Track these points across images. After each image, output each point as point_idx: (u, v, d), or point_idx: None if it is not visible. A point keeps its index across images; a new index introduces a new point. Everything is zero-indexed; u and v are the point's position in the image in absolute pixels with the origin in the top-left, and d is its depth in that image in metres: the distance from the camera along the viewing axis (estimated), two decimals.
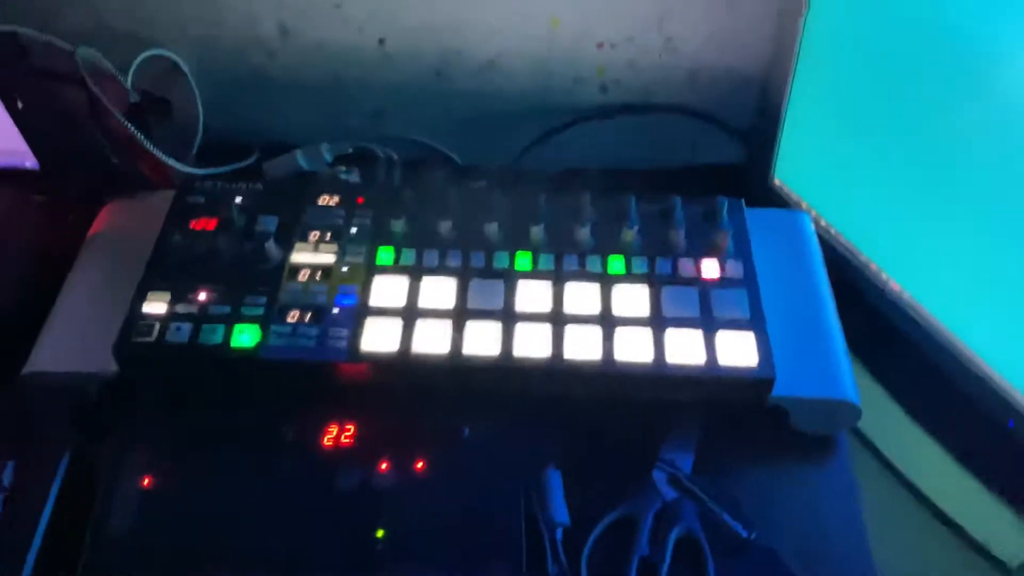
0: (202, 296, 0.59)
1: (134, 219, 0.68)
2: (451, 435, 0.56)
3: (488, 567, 0.52)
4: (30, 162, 0.65)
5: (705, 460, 0.59)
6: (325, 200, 0.66)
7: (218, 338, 0.57)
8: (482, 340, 0.57)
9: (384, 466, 0.55)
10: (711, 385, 0.56)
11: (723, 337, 0.57)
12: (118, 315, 0.60)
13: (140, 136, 0.66)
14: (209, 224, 0.63)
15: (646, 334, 0.58)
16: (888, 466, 0.63)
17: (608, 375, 0.56)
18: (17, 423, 0.58)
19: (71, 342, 0.60)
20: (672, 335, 0.57)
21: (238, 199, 0.65)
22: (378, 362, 0.56)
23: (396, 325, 0.58)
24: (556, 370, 0.56)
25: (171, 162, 0.66)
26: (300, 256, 0.62)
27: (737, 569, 0.54)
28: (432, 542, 0.53)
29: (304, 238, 0.63)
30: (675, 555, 0.54)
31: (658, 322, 0.58)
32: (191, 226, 0.63)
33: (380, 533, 0.53)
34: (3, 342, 0.60)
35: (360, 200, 0.66)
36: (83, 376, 0.58)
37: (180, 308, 0.58)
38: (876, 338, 0.66)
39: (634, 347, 0.57)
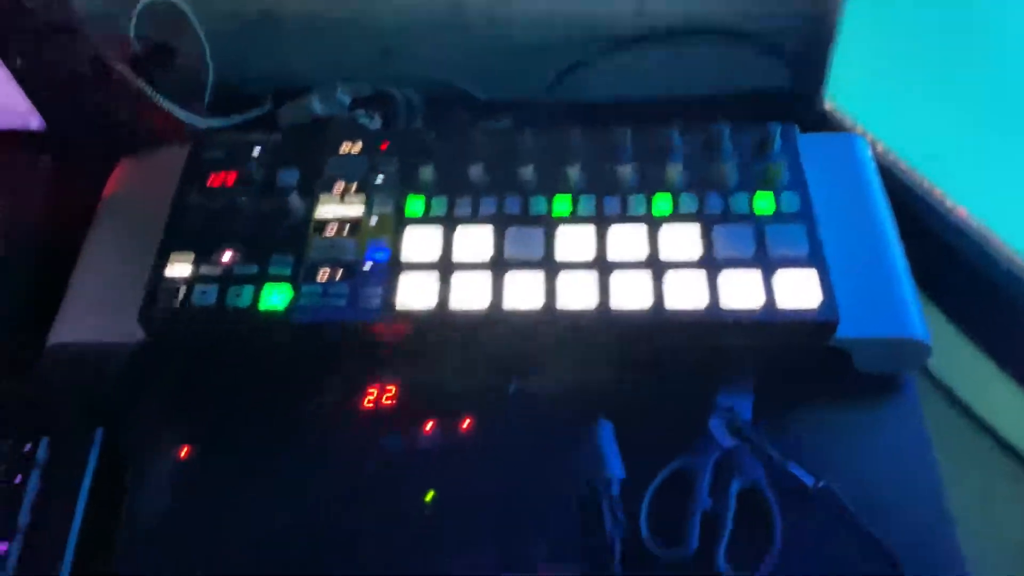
0: (226, 256, 0.56)
1: (148, 177, 0.65)
2: (496, 391, 0.54)
3: (543, 528, 0.50)
4: (36, 122, 0.61)
5: (764, 405, 0.56)
6: (347, 148, 0.62)
7: (246, 300, 0.54)
8: (523, 292, 0.54)
9: (429, 427, 0.53)
10: (769, 330, 0.53)
11: (781, 277, 0.54)
12: (140, 280, 0.57)
13: (148, 88, 0.62)
14: (228, 179, 0.60)
15: (698, 277, 0.54)
16: (959, 405, 0.59)
17: (659, 324, 0.53)
18: (47, 397, 0.56)
19: (94, 311, 0.58)
20: (727, 277, 0.54)
21: (256, 151, 0.61)
22: (415, 319, 0.53)
23: (432, 279, 0.55)
24: (603, 320, 0.53)
25: (182, 114, 0.62)
26: (326, 209, 0.58)
27: (804, 520, 0.52)
28: (483, 503, 0.51)
29: (328, 189, 0.59)
30: (738, 507, 0.52)
31: (711, 264, 0.54)
32: (209, 183, 0.60)
33: (429, 496, 0.51)
34: (23, 314, 0.58)
35: (384, 146, 0.62)
36: (109, 346, 0.56)
37: (205, 270, 0.55)
38: (941, 270, 0.62)
39: (686, 292, 0.53)
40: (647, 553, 0.50)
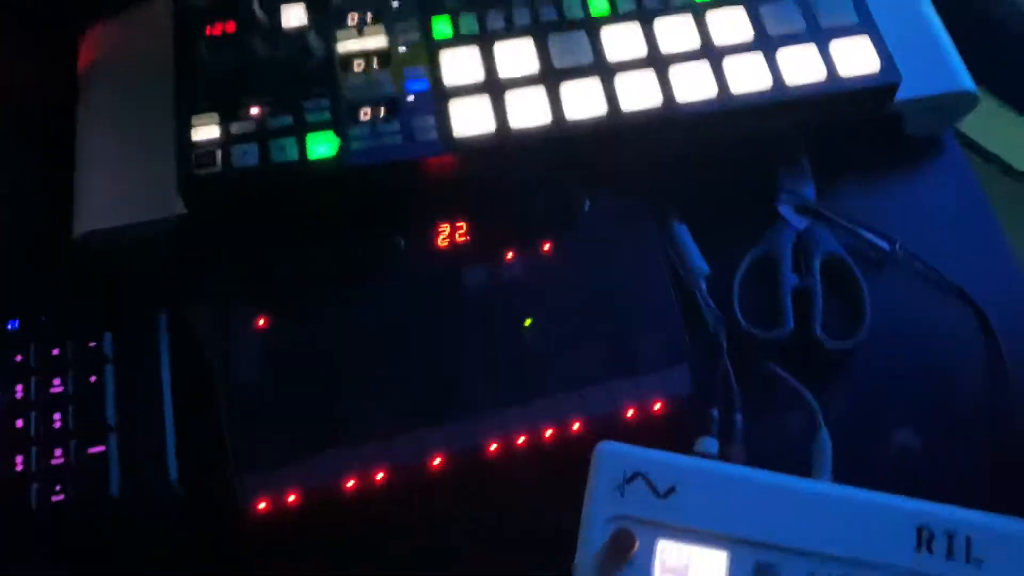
0: (254, 110, 0.51)
1: (124, 42, 0.58)
2: (571, 210, 0.52)
3: (648, 332, 0.49)
4: None
5: (823, 182, 0.57)
6: None
7: (292, 153, 0.49)
8: (583, 100, 0.51)
9: (510, 255, 0.51)
10: (834, 100, 0.52)
11: (838, 46, 0.53)
12: (154, 153, 0.52)
13: None
14: (228, 27, 0.53)
15: (757, 59, 0.52)
16: (994, 160, 0.61)
17: (727, 111, 0.51)
18: (87, 290, 0.51)
19: (113, 193, 0.52)
20: (784, 55, 0.52)
21: None
22: (477, 147, 0.50)
23: (483, 102, 0.51)
24: (670, 117, 0.51)
25: None
26: (346, 44, 0.53)
27: (886, 282, 0.53)
28: (582, 321, 0.50)
29: (342, 23, 0.54)
30: (823, 280, 0.52)
31: (766, 44, 0.53)
32: (207, 33, 0.53)
33: (527, 323, 0.50)
34: (28, 207, 0.52)
35: None
36: (143, 226, 0.51)
37: (236, 128, 0.50)
38: (969, 24, 0.62)
39: (748, 76, 0.52)
40: (748, 339, 0.51)
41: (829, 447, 0.47)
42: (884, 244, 0.54)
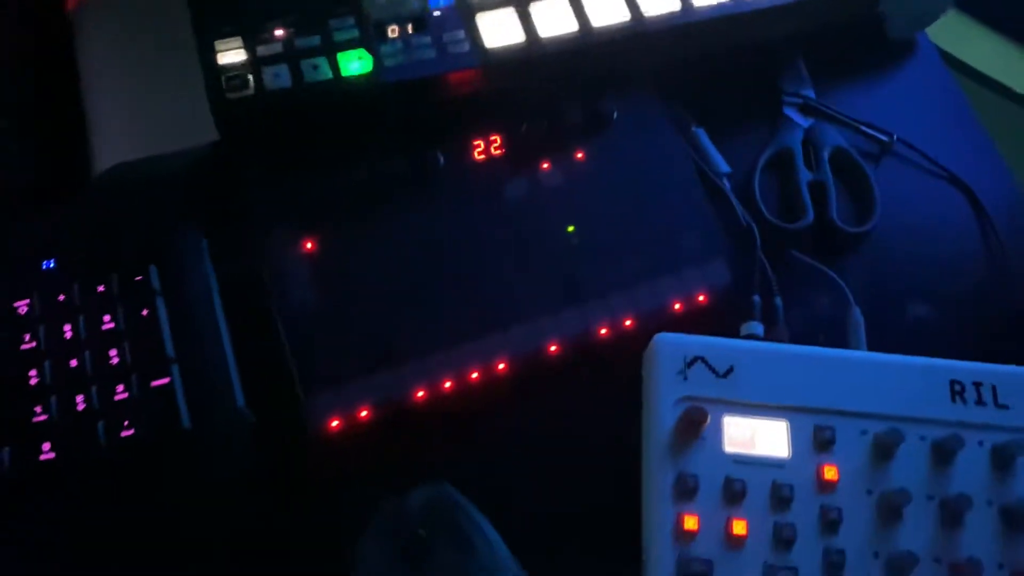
0: (279, 32, 0.50)
1: None
2: (601, 118, 0.53)
3: (685, 229, 0.52)
4: None
5: (819, 85, 0.60)
6: None
7: (326, 72, 0.49)
8: (606, 7, 0.53)
9: (545, 166, 0.52)
10: (832, 3, 0.55)
11: None
12: (171, 82, 0.50)
13: None
14: None
15: None
16: (964, 69, 0.66)
17: (738, 15, 0.54)
18: (120, 224, 0.49)
19: (131, 125, 0.50)
20: None
21: None
22: (508, 58, 0.51)
23: (510, 15, 0.52)
24: (689, 22, 0.53)
25: None
26: None
27: (886, 170, 0.57)
28: (622, 224, 0.51)
29: None
30: (832, 171, 0.56)
31: None
32: None
33: (570, 228, 0.51)
34: (41, 144, 0.50)
35: None
36: (170, 156, 0.49)
37: (264, 51, 0.49)
38: None
39: None
40: (773, 230, 0.54)
41: (862, 322, 0.50)
42: (882, 136, 0.58)
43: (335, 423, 0.46)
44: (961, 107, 0.61)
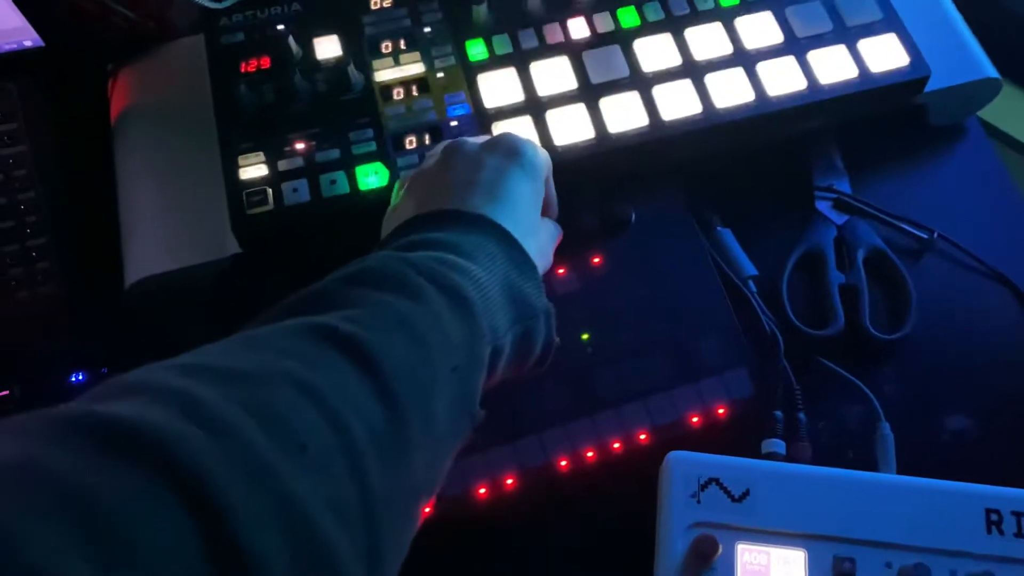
0: (300, 146, 0.51)
1: (152, 83, 0.58)
2: (619, 222, 0.53)
3: (705, 338, 0.50)
4: (30, 40, 0.52)
5: (854, 176, 0.58)
6: (376, 3, 0.56)
7: (344, 186, 0.50)
8: (623, 113, 0.52)
9: (561, 271, 0.52)
10: (867, 97, 0.53)
11: (866, 45, 0.54)
12: (198, 194, 0.52)
13: None
14: (262, 63, 0.54)
15: (789, 63, 0.53)
16: (1016, 146, 0.62)
17: (765, 115, 0.52)
18: (145, 338, 0.51)
19: (161, 237, 0.52)
20: (816, 57, 0.53)
21: (280, 26, 0.55)
22: None
23: (526, 123, 0.52)
24: (711, 125, 0.52)
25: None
26: (384, 74, 0.54)
27: (925, 270, 0.55)
28: (639, 331, 0.51)
29: (377, 52, 0.54)
30: (867, 275, 0.54)
31: (796, 47, 0.54)
32: (243, 70, 0.53)
33: (585, 336, 0.50)
34: (73, 253, 0.52)
35: None
36: (195, 268, 0.51)
37: (284, 166, 0.50)
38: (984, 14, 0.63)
39: (783, 79, 0.53)
40: (801, 338, 0.52)
41: (891, 439, 0.48)
42: (922, 233, 0.55)
43: None
44: (1008, 192, 0.57)
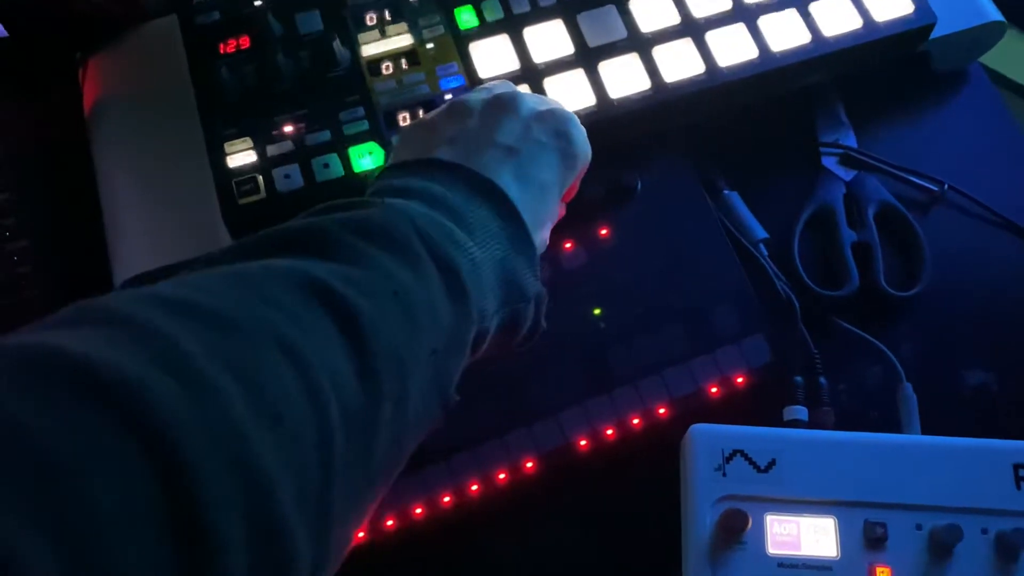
0: (288, 129, 0.49)
1: (128, 70, 0.55)
2: (624, 191, 0.51)
3: (719, 305, 0.49)
4: None
5: (859, 129, 0.56)
6: None
7: (338, 170, 0.48)
8: (624, 77, 0.50)
9: (568, 246, 0.50)
10: (872, 47, 0.51)
11: None
12: (185, 187, 0.50)
13: None
14: (242, 42, 0.51)
15: (792, 16, 0.51)
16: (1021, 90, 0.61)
17: (769, 71, 0.50)
18: None
19: (149, 236, 0.50)
20: (818, 8, 0.51)
21: (258, 2, 0.52)
22: None
23: (524, 92, 0.50)
24: (715, 84, 0.50)
25: None
26: (371, 48, 0.51)
27: (936, 222, 0.53)
28: (652, 302, 0.49)
29: (362, 25, 0.52)
30: (879, 230, 0.52)
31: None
32: (221, 52, 0.51)
33: (597, 311, 0.49)
34: (65, 258, 0.50)
35: None
36: (188, 264, 0.49)
37: (273, 150, 0.48)
38: None
39: (785, 33, 0.51)
40: (816, 299, 0.51)
41: (914, 399, 0.47)
42: (932, 186, 0.54)
43: (361, 534, 0.45)
44: (1015, 138, 0.56)
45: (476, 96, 0.40)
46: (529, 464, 0.47)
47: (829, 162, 0.55)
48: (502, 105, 0.39)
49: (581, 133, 0.40)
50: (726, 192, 0.53)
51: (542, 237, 0.40)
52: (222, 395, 0.22)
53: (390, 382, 0.28)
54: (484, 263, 0.34)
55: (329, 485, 0.25)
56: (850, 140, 0.55)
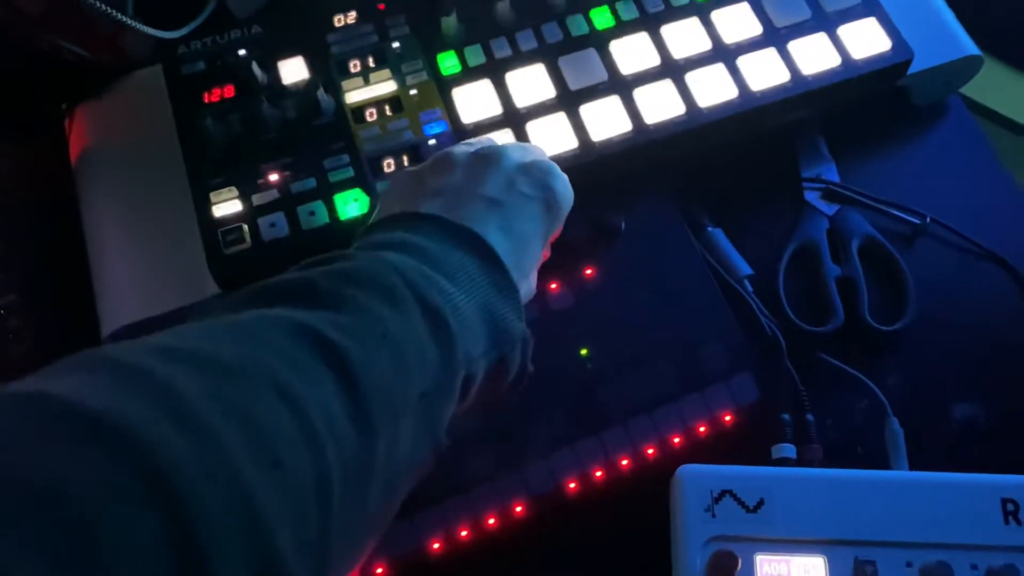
0: (273, 177, 0.49)
1: (115, 120, 0.55)
2: (609, 232, 0.51)
3: (706, 343, 0.49)
4: None
5: (842, 163, 0.57)
6: (340, 21, 0.54)
7: (324, 217, 0.48)
8: (606, 120, 0.50)
9: (554, 287, 0.50)
10: (851, 84, 0.52)
11: (847, 31, 0.53)
12: (171, 236, 0.50)
13: (110, 10, 0.50)
14: (226, 92, 0.51)
15: (771, 55, 0.52)
16: (1006, 123, 0.62)
17: (749, 110, 0.51)
18: None
19: (135, 286, 0.50)
20: (797, 47, 0.52)
21: (242, 51, 0.52)
22: None
23: (507, 136, 0.50)
24: (696, 125, 0.51)
25: (146, 29, 0.51)
26: (355, 95, 0.51)
27: (920, 254, 0.54)
28: (638, 342, 0.49)
29: (345, 73, 0.52)
30: (863, 264, 0.53)
31: (776, 38, 0.52)
32: (206, 101, 0.51)
33: (584, 352, 0.49)
34: (53, 309, 0.50)
35: (382, 7, 0.54)
36: (176, 314, 0.49)
37: (259, 199, 0.48)
38: None
39: (765, 72, 0.52)
40: (800, 335, 0.51)
41: (901, 434, 0.47)
42: (914, 219, 0.54)
43: None
44: (993, 168, 0.57)
45: (462, 150, 0.41)
46: (519, 508, 0.47)
47: (812, 197, 0.55)
48: (487, 158, 0.40)
49: (564, 182, 0.41)
50: (710, 229, 0.53)
51: (529, 285, 0.41)
52: (221, 439, 0.23)
53: (383, 424, 0.28)
54: (468, 308, 0.34)
55: (327, 528, 0.25)
56: (832, 174, 0.56)
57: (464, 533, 0.46)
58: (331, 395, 0.27)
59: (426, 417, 0.31)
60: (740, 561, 0.43)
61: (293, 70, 0.52)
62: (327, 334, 0.28)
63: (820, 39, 0.52)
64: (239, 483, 0.22)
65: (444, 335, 0.32)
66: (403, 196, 0.39)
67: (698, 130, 0.51)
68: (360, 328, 0.29)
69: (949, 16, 0.57)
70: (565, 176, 0.41)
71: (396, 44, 0.53)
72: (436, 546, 0.46)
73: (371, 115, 0.51)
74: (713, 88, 0.51)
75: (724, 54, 0.52)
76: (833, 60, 0.52)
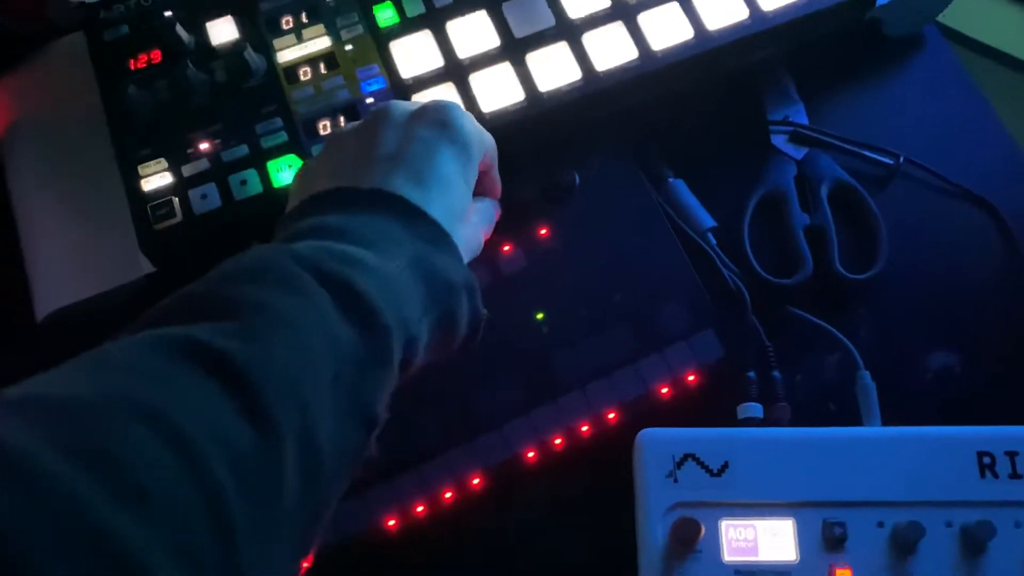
0: (204, 146, 0.46)
1: (39, 91, 0.52)
2: (562, 188, 0.49)
3: (667, 301, 0.47)
4: None
5: (811, 104, 0.54)
6: None
7: (256, 186, 0.45)
8: (554, 69, 0.47)
9: (506, 248, 0.48)
10: (815, 19, 0.49)
11: None
12: (104, 213, 0.48)
13: None
14: (153, 57, 0.49)
15: None
16: (985, 50, 0.58)
17: (707, 52, 0.48)
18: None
19: (68, 266, 0.48)
20: None
21: (167, 13, 0.49)
22: None
23: (449, 91, 0.47)
24: (650, 70, 0.47)
25: None
26: (287, 53, 0.49)
27: (893, 197, 0.51)
28: (596, 303, 0.47)
29: (277, 30, 0.49)
30: (833, 209, 0.50)
31: None
32: (132, 68, 0.48)
33: (539, 315, 0.47)
34: None
35: None
36: (110, 294, 0.47)
37: (189, 171, 0.46)
38: None
39: (722, 10, 0.48)
40: (768, 288, 0.49)
41: (873, 388, 0.45)
42: (887, 160, 0.51)
43: (305, 564, 0.43)
44: (975, 102, 0.54)
45: (348, 125, 0.40)
46: (476, 480, 0.45)
47: (779, 141, 0.52)
48: (373, 120, 0.38)
49: (465, 117, 0.39)
50: (671, 180, 0.51)
51: (469, 229, 0.39)
52: (67, 486, 0.21)
53: (289, 418, 0.27)
54: (394, 271, 0.33)
55: (233, 543, 0.24)
56: (800, 116, 0.53)
57: (420, 509, 0.44)
58: (218, 405, 0.25)
59: (348, 398, 0.30)
60: (703, 528, 0.41)
61: (222, 31, 0.49)
62: (209, 343, 0.26)
63: None
64: (92, 529, 0.20)
65: (359, 308, 0.30)
66: (302, 191, 0.38)
67: (653, 75, 0.48)
68: (250, 327, 0.28)
69: None
70: (467, 112, 0.39)
71: None
72: (392, 523, 0.44)
73: (305, 74, 0.48)
74: (667, 29, 0.48)
75: None
76: None
